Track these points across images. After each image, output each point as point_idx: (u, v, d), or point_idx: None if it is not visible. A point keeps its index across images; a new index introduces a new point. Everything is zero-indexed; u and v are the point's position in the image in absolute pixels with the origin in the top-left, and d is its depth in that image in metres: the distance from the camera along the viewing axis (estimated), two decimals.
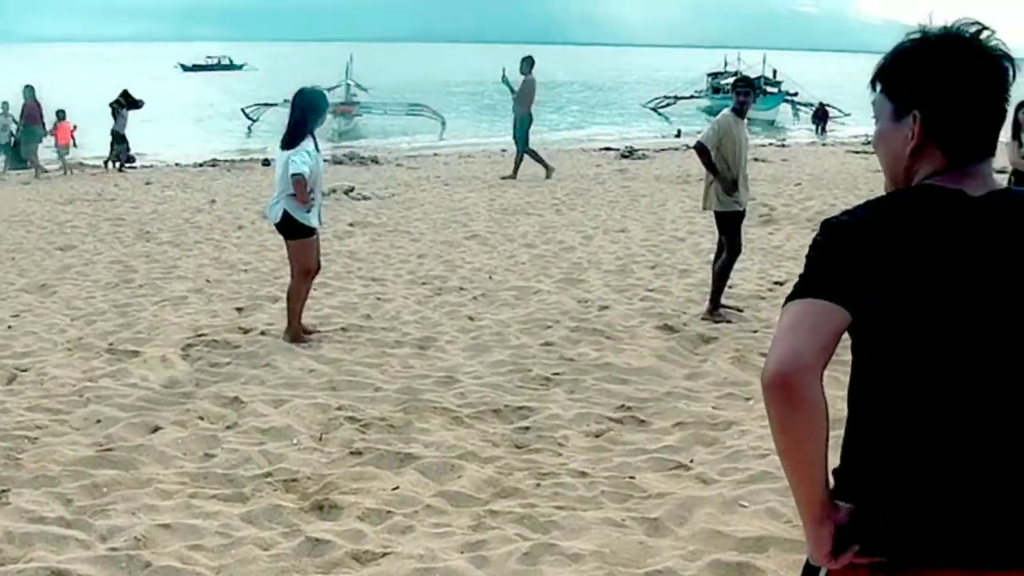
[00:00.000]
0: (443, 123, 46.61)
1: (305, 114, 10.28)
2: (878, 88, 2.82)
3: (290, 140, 10.25)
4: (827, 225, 2.73)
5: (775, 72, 70.79)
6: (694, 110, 64.93)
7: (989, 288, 2.60)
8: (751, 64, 71.59)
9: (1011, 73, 2.70)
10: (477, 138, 44.69)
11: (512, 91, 26.55)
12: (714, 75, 73.69)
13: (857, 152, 34.16)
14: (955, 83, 2.67)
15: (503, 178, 25.86)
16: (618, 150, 35.56)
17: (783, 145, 41.67)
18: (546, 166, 26.29)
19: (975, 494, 2.61)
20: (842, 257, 2.63)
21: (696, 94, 70.66)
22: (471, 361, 9.94)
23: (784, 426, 2.58)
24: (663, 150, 36.16)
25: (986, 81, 2.68)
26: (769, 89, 64.68)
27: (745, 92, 11.85)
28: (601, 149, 37.69)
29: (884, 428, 2.70)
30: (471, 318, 11.63)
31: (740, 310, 11.70)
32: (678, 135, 45.03)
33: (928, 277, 2.60)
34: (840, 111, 60.03)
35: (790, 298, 2.65)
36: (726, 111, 11.80)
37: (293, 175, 10.07)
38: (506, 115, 27.74)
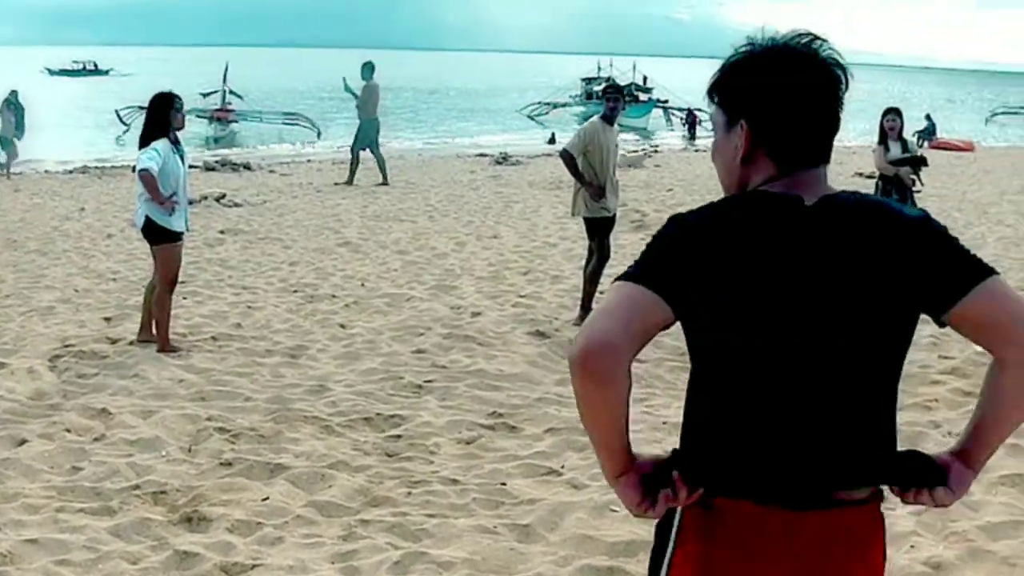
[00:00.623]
0: (319, 133, 46.29)
1: (156, 115, 10.23)
2: (714, 100, 2.89)
3: (142, 141, 10.25)
4: (673, 220, 2.79)
5: (645, 79, 71.60)
6: (569, 116, 65.31)
7: (816, 292, 2.68)
8: (623, 70, 72.24)
9: (841, 82, 2.77)
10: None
11: (356, 97, 26.48)
12: (588, 81, 74.16)
13: None
14: (779, 93, 2.74)
15: (377, 185, 25.83)
16: (492, 156, 35.72)
17: (656, 151, 42.11)
18: (351, 176, 26.36)
19: (777, 456, 2.73)
20: (680, 256, 2.69)
21: (571, 99, 71.01)
22: (342, 369, 9.93)
23: (585, 400, 2.69)
24: (537, 156, 36.37)
25: (812, 90, 2.75)
26: (641, 96, 65.44)
27: (614, 98, 12.00)
28: (476, 155, 37.86)
29: (711, 414, 2.81)
30: (343, 326, 11.61)
31: None
32: (552, 141, 45.25)
33: (759, 282, 2.68)
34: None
35: (621, 278, 2.70)
36: (595, 118, 11.96)
37: (139, 171, 10.11)
38: (382, 121, 27.60)
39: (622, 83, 65.48)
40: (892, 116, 14.61)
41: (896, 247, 2.69)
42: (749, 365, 2.74)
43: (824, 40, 2.77)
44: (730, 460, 2.77)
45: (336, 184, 26.14)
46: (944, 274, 2.70)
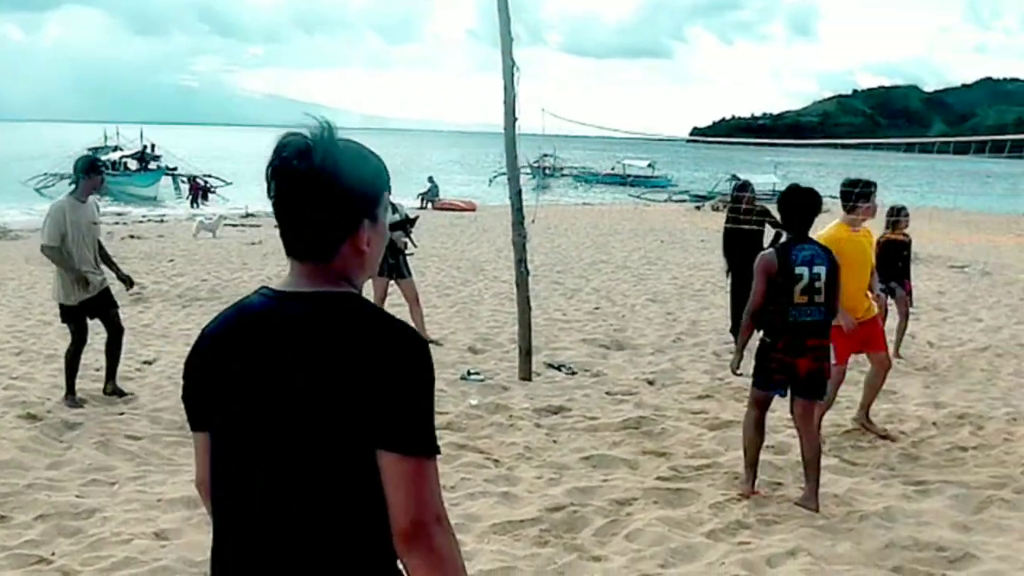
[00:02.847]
0: None
1: None
2: None
3: None
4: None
5: (153, 146, 70.47)
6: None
7: (262, 405, 2.64)
8: (131, 139, 70.99)
9: (317, 176, 2.63)
10: None
11: None
12: (95, 150, 72.23)
13: (236, 226, 34.66)
14: (269, 182, 2.70)
15: None
16: None
17: (161, 221, 41.60)
18: None
19: None
20: (187, 383, 2.87)
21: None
22: None
23: None
24: (38, 230, 35.07)
25: (281, 182, 2.68)
26: (150, 165, 64.57)
27: (90, 173, 11.27)
28: None
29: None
30: None
31: (123, 393, 11.61)
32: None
33: (219, 393, 2.74)
34: (222, 180, 61.11)
35: None
36: (62, 197, 11.36)
37: None
38: None
39: (129, 151, 64.43)
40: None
41: (354, 362, 2.57)
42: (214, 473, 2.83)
43: (322, 129, 2.68)
44: None
45: None
46: (385, 414, 2.56)
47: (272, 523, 2.64)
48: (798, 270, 8.10)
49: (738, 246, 14.48)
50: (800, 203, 8.33)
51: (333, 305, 2.66)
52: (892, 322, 14.23)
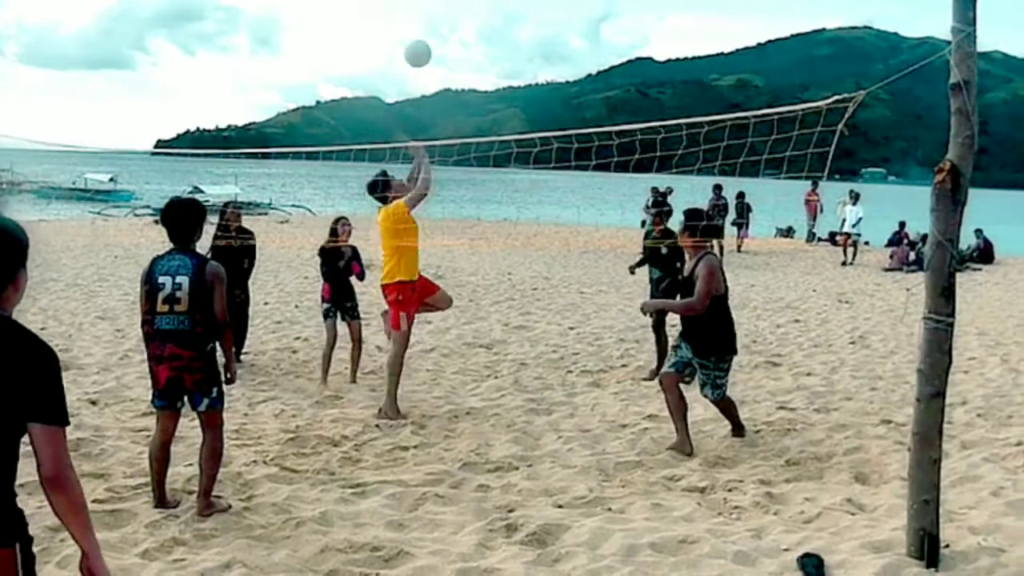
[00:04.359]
0: None
1: None
2: None
3: None
4: None
5: None
6: None
7: None
8: None
9: None
10: None
11: None
12: None
13: None
14: None
15: None
16: None
17: None
18: None
19: None
20: None
21: None
22: None
23: None
24: None
25: None
26: None
27: None
28: None
29: None
30: None
31: None
32: None
33: None
34: None
35: None
36: None
37: None
38: None
39: None
40: None
41: (10, 360, 3.77)
42: None
43: None
44: None
45: None
46: (34, 397, 3.80)
47: None
48: (160, 279, 8.25)
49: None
50: (179, 215, 8.44)
51: None
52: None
